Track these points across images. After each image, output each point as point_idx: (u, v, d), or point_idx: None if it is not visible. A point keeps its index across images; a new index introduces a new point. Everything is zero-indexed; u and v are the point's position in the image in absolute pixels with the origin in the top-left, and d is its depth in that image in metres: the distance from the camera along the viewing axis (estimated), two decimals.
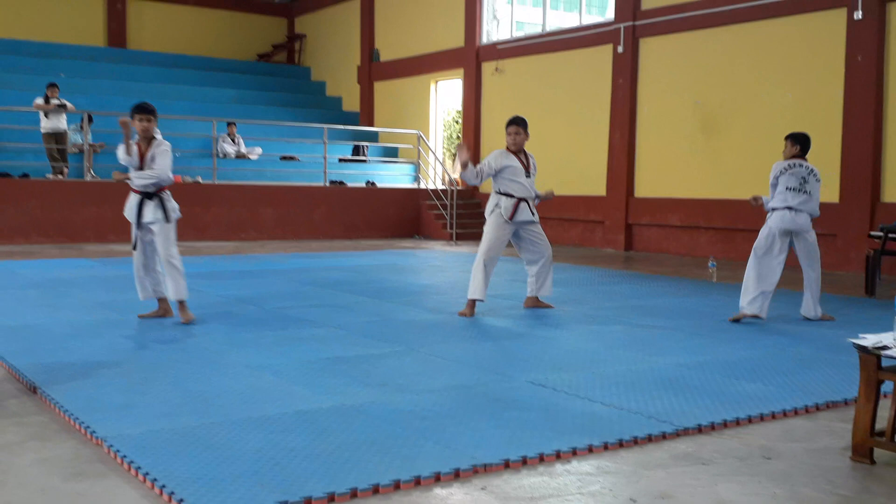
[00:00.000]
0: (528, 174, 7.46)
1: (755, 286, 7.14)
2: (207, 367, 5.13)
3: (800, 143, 7.44)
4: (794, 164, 7.33)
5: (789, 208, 7.25)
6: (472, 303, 7.29)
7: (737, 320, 7.18)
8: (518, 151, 7.48)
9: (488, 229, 7.43)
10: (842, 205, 11.76)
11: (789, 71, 12.50)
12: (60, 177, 14.57)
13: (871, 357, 3.64)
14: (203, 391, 4.53)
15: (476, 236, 16.48)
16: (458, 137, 20.01)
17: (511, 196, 7.35)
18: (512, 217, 7.32)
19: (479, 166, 7.45)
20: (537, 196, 7.65)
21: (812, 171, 7.37)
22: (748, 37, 13.01)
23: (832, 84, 11.93)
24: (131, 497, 3.09)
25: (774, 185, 7.37)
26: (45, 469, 3.37)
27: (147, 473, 3.23)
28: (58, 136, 14.77)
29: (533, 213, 7.47)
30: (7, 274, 9.52)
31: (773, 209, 7.32)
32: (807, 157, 7.45)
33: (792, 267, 7.61)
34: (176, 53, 21.98)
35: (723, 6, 13.22)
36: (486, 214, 7.52)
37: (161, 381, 4.72)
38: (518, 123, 7.50)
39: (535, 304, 7.76)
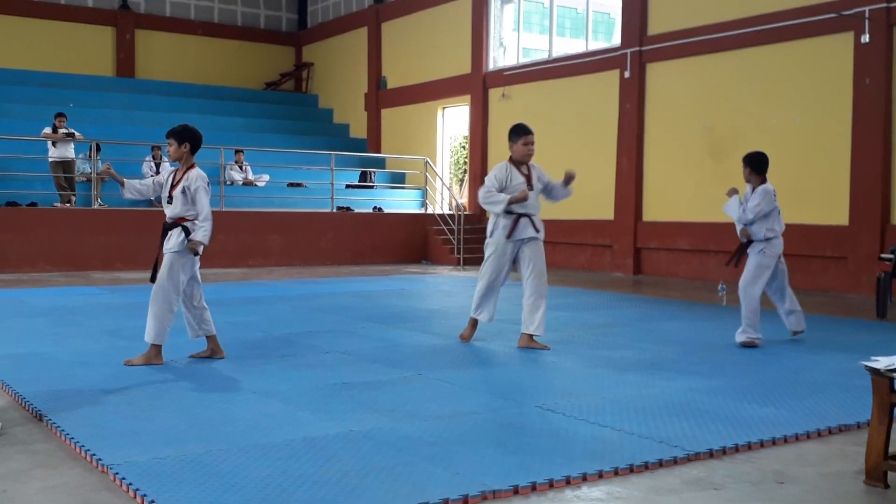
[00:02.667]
0: (531, 188, 6.95)
1: (759, 312, 7.18)
2: (214, 393, 5.13)
3: (755, 166, 7.36)
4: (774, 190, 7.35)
5: (781, 235, 7.34)
6: (473, 322, 7.17)
7: (751, 345, 7.13)
8: (521, 164, 7.03)
9: (489, 253, 7.07)
10: (851, 227, 11.73)
11: (797, 95, 12.52)
12: (68, 205, 14.63)
13: (883, 380, 3.62)
14: (210, 418, 4.51)
15: (482, 261, 16.50)
16: (465, 163, 20.05)
17: (511, 213, 6.91)
18: (510, 235, 6.90)
19: (487, 189, 7.01)
20: (563, 182, 7.14)
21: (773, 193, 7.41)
22: (755, 61, 13.04)
23: (840, 107, 11.94)
24: None
25: (767, 212, 7.22)
26: (51, 497, 3.36)
27: (153, 501, 3.22)
28: (66, 165, 14.85)
29: (537, 230, 7.00)
30: (14, 302, 9.54)
31: (777, 234, 7.26)
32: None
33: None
34: (184, 83, 22.16)
35: (729, 31, 13.27)
36: (488, 236, 7.15)
37: (167, 409, 4.71)
38: (532, 133, 7.03)
39: (528, 343, 6.90)
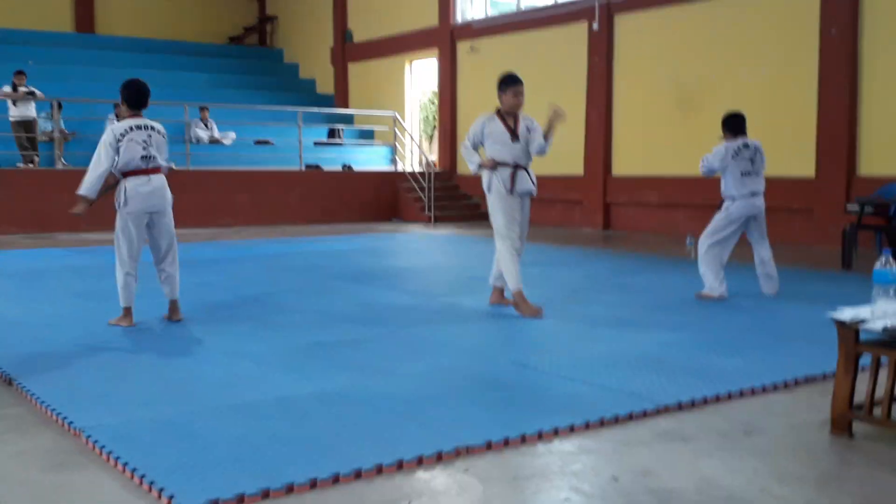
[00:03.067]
0: (515, 138, 6.54)
1: (721, 269, 7.28)
2: (184, 356, 5.11)
3: (730, 127, 7.46)
4: (742, 147, 7.35)
5: (753, 194, 7.31)
6: (520, 293, 6.44)
7: (704, 298, 7.25)
8: (509, 115, 6.62)
9: (495, 209, 6.57)
10: (818, 179, 11.86)
11: (764, 46, 12.55)
12: (31, 166, 14.40)
13: (849, 331, 3.67)
14: (181, 379, 4.51)
15: (455, 218, 16.54)
16: (434, 118, 19.94)
17: (505, 164, 6.50)
18: (512, 188, 6.51)
19: (464, 145, 6.74)
20: (549, 125, 6.67)
21: (757, 148, 7.44)
22: (723, 13, 13.03)
23: (807, 59, 11.99)
24: (112, 488, 3.08)
25: (720, 170, 7.35)
26: (24, 461, 3.35)
27: (127, 464, 3.22)
28: (27, 125, 14.59)
29: (533, 183, 6.75)
30: None
31: (734, 198, 7.29)
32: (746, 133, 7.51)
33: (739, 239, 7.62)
34: (146, 38, 21.72)
35: None
36: (486, 191, 6.66)
37: (139, 371, 4.70)
38: (522, 83, 6.68)
39: (499, 300, 6.83)
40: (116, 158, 5.87)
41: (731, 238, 7.38)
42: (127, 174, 5.92)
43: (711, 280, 7.28)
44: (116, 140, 5.84)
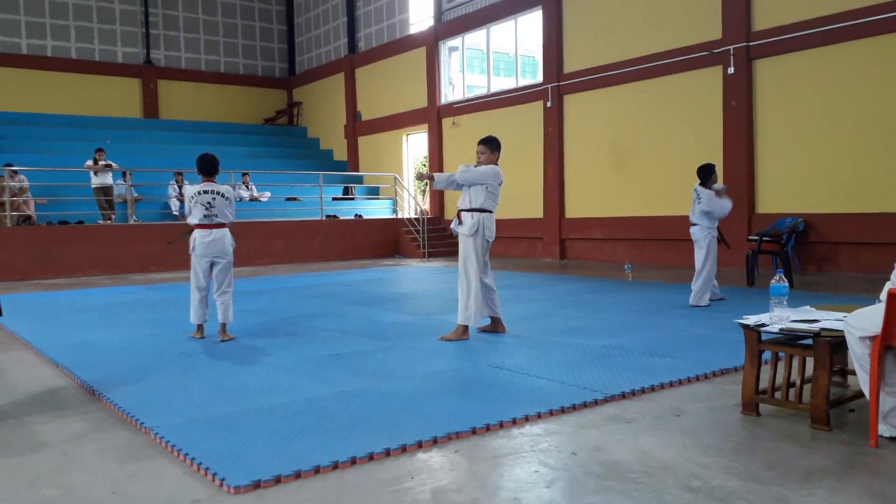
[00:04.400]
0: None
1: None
2: (233, 367, 5.07)
3: (698, 173, 7.77)
4: (695, 189, 7.73)
5: (691, 224, 7.76)
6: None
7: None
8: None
9: (479, 250, 5.86)
10: (726, 217, 11.88)
11: (681, 116, 12.69)
12: (109, 222, 14.36)
13: (753, 333, 3.69)
14: (230, 387, 4.47)
15: (444, 253, 16.54)
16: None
17: (490, 212, 5.94)
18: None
19: (462, 169, 5.93)
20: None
21: (696, 192, 7.71)
22: (648, 91, 13.19)
23: (714, 124, 12.13)
24: (175, 473, 3.04)
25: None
26: (105, 455, 3.31)
27: (187, 454, 3.19)
28: (105, 190, 14.58)
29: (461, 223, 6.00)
30: (69, 301, 9.35)
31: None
32: (709, 181, 7.77)
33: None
34: (198, 121, 21.89)
35: (627, 68, 13.40)
36: (470, 233, 5.85)
37: (195, 381, 4.66)
38: (482, 142, 6.04)
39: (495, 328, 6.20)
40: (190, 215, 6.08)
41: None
42: (195, 227, 6.07)
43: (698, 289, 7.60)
44: (190, 198, 6.07)
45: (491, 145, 6.03)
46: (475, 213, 5.89)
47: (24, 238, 12.91)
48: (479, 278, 5.86)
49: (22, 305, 8.92)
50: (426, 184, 20.02)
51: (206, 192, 6.03)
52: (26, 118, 19.05)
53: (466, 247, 5.90)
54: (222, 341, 6.06)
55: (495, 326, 6.19)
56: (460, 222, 5.92)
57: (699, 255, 7.58)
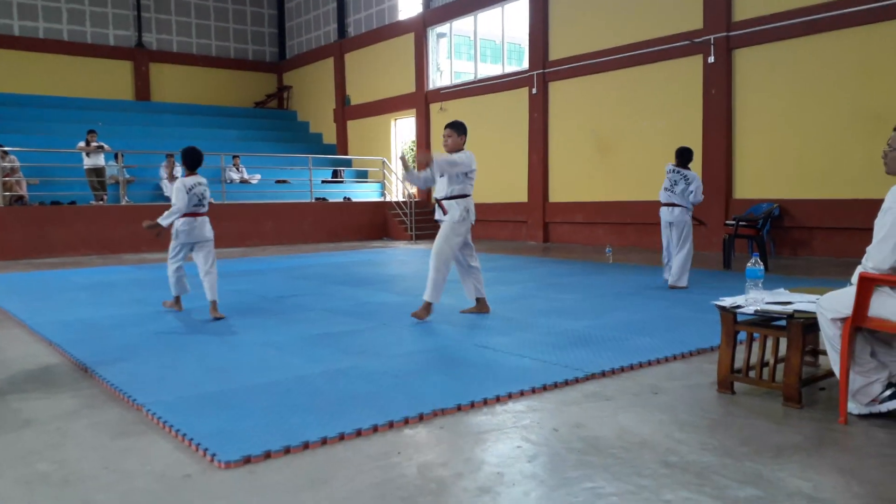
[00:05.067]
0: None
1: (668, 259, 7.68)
2: (224, 345, 5.05)
3: (676, 155, 7.57)
4: (670, 170, 7.48)
5: (663, 204, 7.50)
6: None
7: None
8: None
9: (458, 235, 5.78)
10: (704, 201, 11.83)
11: (662, 103, 12.69)
12: (101, 202, 14.21)
13: (729, 314, 3.71)
14: (221, 364, 4.45)
15: (430, 236, 16.50)
16: (413, 162, 19.93)
17: (471, 196, 5.85)
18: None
19: (448, 160, 5.63)
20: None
21: (682, 174, 7.49)
22: (630, 79, 13.17)
23: (694, 112, 12.15)
24: (166, 449, 3.03)
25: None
26: (97, 431, 3.29)
27: (178, 430, 3.17)
28: (98, 171, 14.41)
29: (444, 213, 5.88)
30: (61, 280, 9.26)
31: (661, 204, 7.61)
32: (689, 165, 7.63)
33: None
34: (190, 104, 21.63)
35: (610, 56, 13.37)
36: (460, 220, 5.73)
37: (187, 359, 4.64)
38: (449, 126, 5.87)
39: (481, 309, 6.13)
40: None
41: (663, 237, 7.65)
42: (183, 215, 6.22)
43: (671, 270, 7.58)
44: (186, 191, 6.15)
45: (458, 129, 5.86)
46: (460, 200, 5.77)
47: (17, 218, 12.75)
48: (451, 261, 5.82)
49: (15, 284, 8.82)
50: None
51: (199, 184, 6.25)
52: (19, 99, 18.75)
53: (455, 231, 5.76)
54: (215, 319, 6.08)
55: (480, 307, 6.18)
56: (444, 212, 5.77)
57: (678, 237, 7.48)
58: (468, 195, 5.84)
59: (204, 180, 6.35)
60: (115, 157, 14.78)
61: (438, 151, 5.91)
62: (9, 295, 7.79)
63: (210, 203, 6.57)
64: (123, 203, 14.30)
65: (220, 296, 6.34)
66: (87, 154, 14.27)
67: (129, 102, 20.77)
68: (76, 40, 20.35)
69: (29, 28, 19.68)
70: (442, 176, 5.81)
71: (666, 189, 7.52)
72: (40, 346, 5.21)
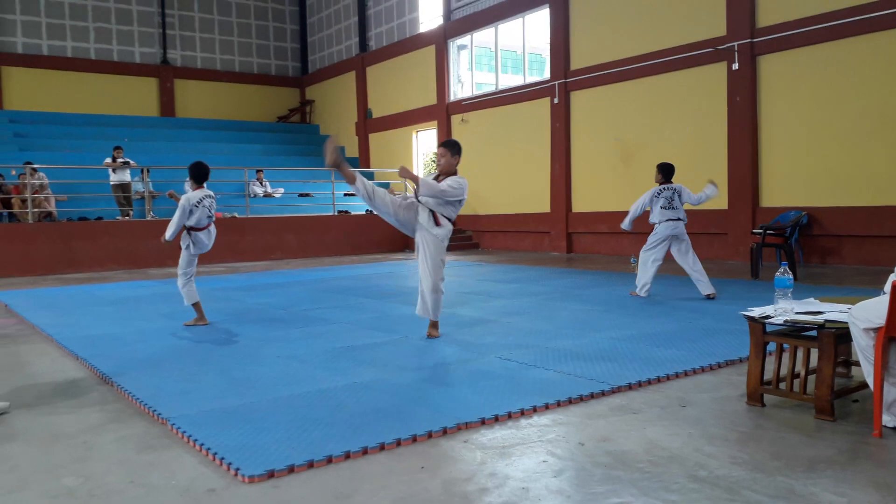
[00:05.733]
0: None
1: (646, 273, 7.77)
2: (247, 359, 5.08)
3: (663, 172, 7.86)
4: (662, 189, 7.75)
5: (669, 220, 7.69)
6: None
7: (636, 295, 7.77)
8: (441, 176, 5.59)
9: (443, 255, 5.68)
10: (730, 210, 11.85)
11: (686, 111, 12.60)
12: (127, 218, 14.42)
13: (758, 325, 3.65)
14: (244, 378, 4.47)
15: (451, 248, 16.46)
16: None
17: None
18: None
19: (438, 190, 5.41)
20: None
21: (673, 189, 7.77)
22: (654, 87, 13.10)
23: (719, 120, 12.04)
24: (191, 463, 3.04)
25: (647, 205, 7.78)
26: (123, 445, 3.31)
27: (202, 444, 3.19)
28: (124, 187, 14.65)
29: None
30: (87, 295, 9.40)
31: (659, 222, 7.72)
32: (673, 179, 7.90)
33: (671, 258, 7.77)
34: (214, 119, 21.91)
35: (632, 64, 13.31)
36: (443, 238, 5.61)
37: (211, 372, 4.67)
38: (443, 145, 5.64)
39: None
40: (190, 218, 6.48)
41: (661, 250, 7.79)
42: (193, 229, 6.51)
43: (646, 281, 7.71)
44: (193, 206, 6.43)
45: (451, 149, 5.59)
46: (447, 222, 5.55)
47: (46, 233, 12.98)
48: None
49: (43, 299, 8.97)
50: None
51: (207, 197, 6.51)
52: (47, 117, 19.15)
53: (438, 248, 5.56)
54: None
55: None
56: (438, 223, 5.49)
57: (688, 247, 7.67)
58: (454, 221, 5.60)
59: (211, 193, 6.59)
60: (141, 172, 15.00)
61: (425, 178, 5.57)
62: (37, 310, 7.91)
63: (218, 216, 6.96)
64: (149, 218, 14.50)
65: (243, 309, 6.44)
66: (114, 170, 14.52)
67: (155, 119, 21.10)
68: (103, 58, 20.76)
69: (57, 47, 20.12)
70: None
71: (665, 208, 7.74)
72: (67, 361, 5.29)
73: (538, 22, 15.77)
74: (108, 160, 14.59)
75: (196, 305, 6.59)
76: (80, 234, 13.25)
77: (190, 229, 6.50)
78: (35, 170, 13.65)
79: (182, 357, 5.18)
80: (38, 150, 16.26)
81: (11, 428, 3.61)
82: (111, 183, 14.60)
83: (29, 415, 3.84)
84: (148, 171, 14.89)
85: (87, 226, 13.55)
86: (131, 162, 14.78)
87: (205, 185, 6.58)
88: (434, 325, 5.77)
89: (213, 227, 6.65)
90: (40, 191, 13.67)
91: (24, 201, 13.33)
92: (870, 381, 3.21)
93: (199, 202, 6.42)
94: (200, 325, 6.53)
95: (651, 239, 7.80)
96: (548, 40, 15.14)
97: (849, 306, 3.46)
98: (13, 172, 14.54)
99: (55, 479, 2.90)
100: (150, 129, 19.96)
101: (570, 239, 14.93)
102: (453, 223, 5.65)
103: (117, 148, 14.68)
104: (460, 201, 5.57)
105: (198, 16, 22.43)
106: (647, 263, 7.75)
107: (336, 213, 16.72)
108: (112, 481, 2.85)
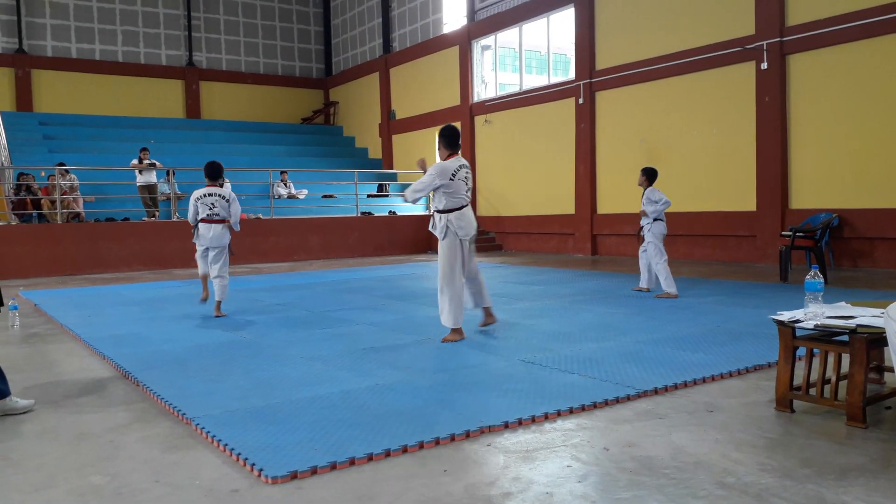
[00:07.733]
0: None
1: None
2: (271, 359, 5.11)
3: (651, 176, 8.22)
4: (652, 191, 8.14)
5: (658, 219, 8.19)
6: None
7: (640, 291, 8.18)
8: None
9: (452, 251, 5.60)
10: (759, 212, 11.70)
11: (714, 111, 12.47)
12: (153, 219, 14.62)
13: (787, 329, 3.60)
14: (268, 378, 4.50)
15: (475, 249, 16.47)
16: None
17: (458, 209, 5.65)
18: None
19: (411, 189, 5.68)
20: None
21: (656, 192, 8.15)
22: (680, 87, 12.99)
23: (747, 119, 11.90)
24: (214, 463, 3.07)
25: (657, 202, 8.07)
26: (148, 444, 3.35)
27: (226, 444, 3.21)
28: (150, 188, 14.86)
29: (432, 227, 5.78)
30: (114, 295, 9.53)
31: (658, 219, 8.14)
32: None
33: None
34: (239, 121, 22.14)
35: (659, 64, 13.20)
36: (441, 236, 5.62)
37: (235, 372, 4.70)
38: (438, 134, 5.64)
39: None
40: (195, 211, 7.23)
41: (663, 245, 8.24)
42: (199, 221, 7.19)
43: (670, 283, 7.90)
44: (194, 201, 7.18)
45: (443, 138, 5.57)
46: (442, 216, 5.57)
47: (74, 234, 13.20)
48: (457, 279, 5.53)
49: (71, 299, 9.11)
50: None
51: (209, 195, 7.10)
52: (76, 119, 19.48)
53: (441, 249, 5.61)
54: (216, 317, 7.08)
55: (485, 318, 6.03)
56: (434, 224, 5.65)
57: (660, 247, 8.04)
58: (453, 209, 5.54)
59: (218, 191, 7.15)
60: (167, 173, 15.19)
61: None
62: (65, 309, 8.04)
63: (242, 217, 7.50)
64: (175, 219, 14.67)
65: (266, 309, 6.57)
66: (140, 172, 14.73)
67: (180, 120, 21.37)
68: (130, 61, 21.08)
69: (86, 50, 20.47)
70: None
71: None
72: (94, 360, 5.36)
73: (563, 22, 15.71)
74: (135, 161, 14.81)
75: (203, 278, 7.50)
76: (107, 235, 13.46)
77: (198, 221, 7.19)
78: (67, 171, 13.89)
79: (206, 357, 5.22)
80: (66, 152, 16.54)
81: (39, 426, 3.67)
82: (137, 184, 14.81)
83: (56, 413, 3.90)
84: (173, 172, 15.08)
85: (113, 226, 13.76)
86: (157, 163, 14.98)
87: (219, 182, 7.19)
88: (454, 331, 5.64)
89: (219, 225, 7.15)
90: (70, 192, 13.91)
91: (52, 202, 13.57)
92: None
93: (198, 198, 7.09)
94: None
95: (661, 245, 8.09)
96: (573, 40, 15.07)
97: (881, 310, 3.39)
98: (42, 174, 14.82)
99: (82, 477, 2.94)
100: (175, 130, 20.22)
101: (595, 241, 14.84)
102: (450, 212, 5.53)
103: (143, 149, 14.90)
104: (442, 188, 5.49)
105: (223, 18, 22.68)
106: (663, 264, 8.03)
107: (359, 215, 16.79)
108: (137, 480, 2.89)
